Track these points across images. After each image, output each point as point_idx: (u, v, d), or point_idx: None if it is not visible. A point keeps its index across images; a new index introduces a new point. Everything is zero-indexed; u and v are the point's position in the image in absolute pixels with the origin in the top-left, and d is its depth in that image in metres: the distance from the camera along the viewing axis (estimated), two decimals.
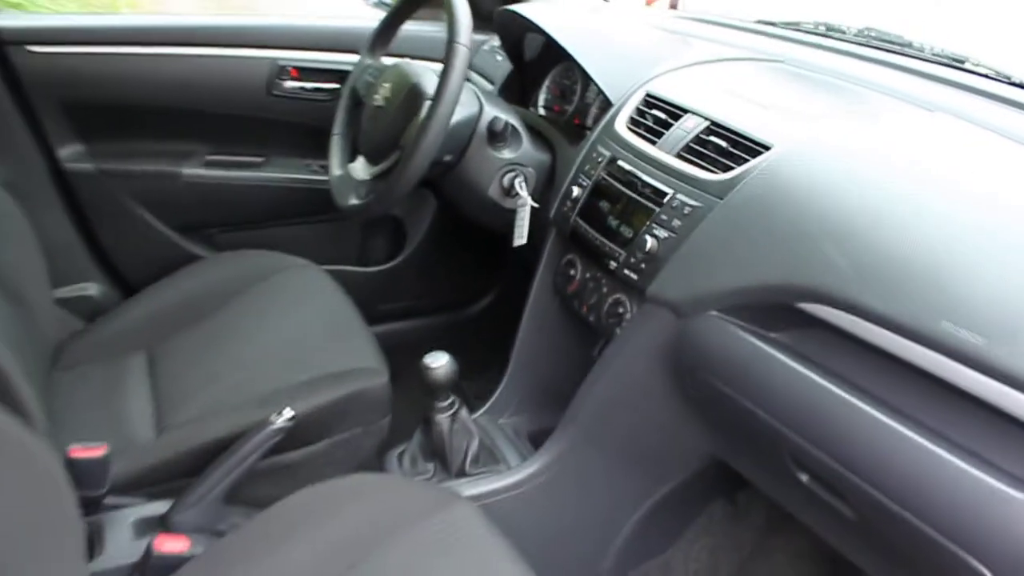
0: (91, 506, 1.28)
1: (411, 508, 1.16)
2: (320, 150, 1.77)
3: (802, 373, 1.07)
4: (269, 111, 1.92)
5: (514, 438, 1.54)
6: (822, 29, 1.76)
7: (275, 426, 1.30)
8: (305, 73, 1.91)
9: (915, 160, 1.12)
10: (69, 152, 1.83)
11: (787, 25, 1.81)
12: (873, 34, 1.67)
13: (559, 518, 1.44)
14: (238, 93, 1.89)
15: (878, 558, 1.15)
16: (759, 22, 1.87)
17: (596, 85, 1.54)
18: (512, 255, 1.72)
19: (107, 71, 1.79)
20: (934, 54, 1.54)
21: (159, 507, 1.32)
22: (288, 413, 1.30)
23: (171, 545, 1.23)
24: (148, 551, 1.22)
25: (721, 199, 1.21)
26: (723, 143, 1.27)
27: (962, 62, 1.50)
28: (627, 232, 1.33)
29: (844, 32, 1.72)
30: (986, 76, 1.44)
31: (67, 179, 1.82)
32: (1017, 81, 1.40)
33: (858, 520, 1.08)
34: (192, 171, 1.93)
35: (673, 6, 2.23)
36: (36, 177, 1.79)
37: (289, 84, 1.91)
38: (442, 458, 1.43)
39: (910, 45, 1.59)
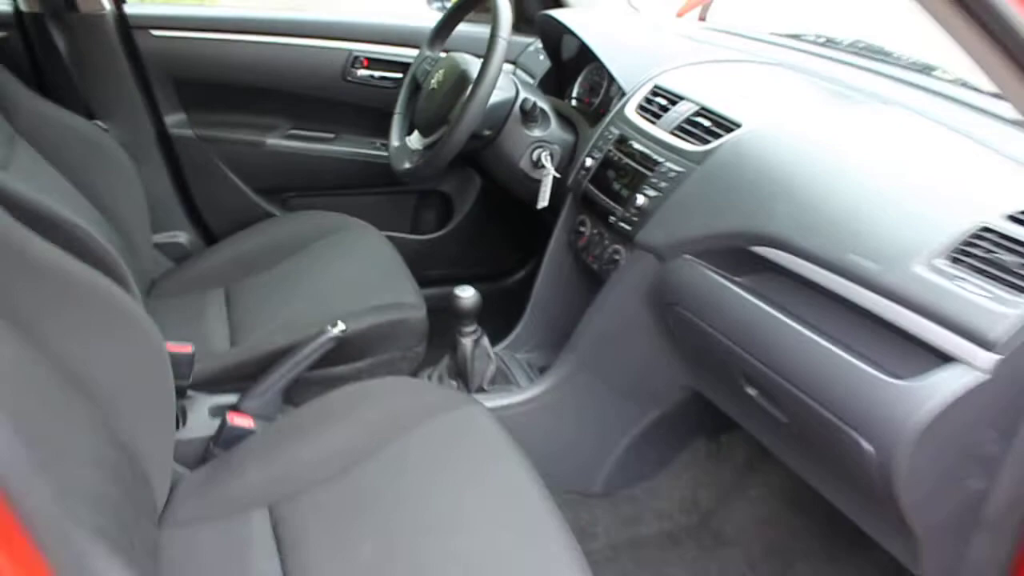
0: (177, 393, 1.60)
1: (434, 404, 1.43)
2: (383, 131, 2.08)
3: (753, 303, 1.34)
4: (343, 94, 2.25)
5: (527, 368, 1.82)
6: (821, 40, 2.02)
7: (328, 335, 1.60)
8: (375, 63, 2.24)
9: (848, 139, 1.39)
10: (174, 119, 2.18)
11: (791, 36, 2.07)
12: (862, 45, 1.92)
13: (560, 434, 1.71)
14: (317, 78, 2.22)
15: (802, 454, 1.41)
16: (772, 34, 2.13)
17: (614, 78, 1.82)
18: (547, 234, 2.00)
19: (211, 54, 2.15)
20: (910, 63, 1.79)
21: (230, 398, 1.64)
22: (340, 326, 1.60)
23: (240, 421, 1.55)
24: (223, 423, 1.54)
25: (699, 165, 1.48)
26: (707, 123, 1.55)
27: (932, 70, 1.74)
28: (625, 193, 1.61)
29: (839, 43, 1.97)
30: (949, 82, 1.68)
31: (170, 142, 2.17)
32: (974, 86, 1.64)
33: (789, 422, 1.34)
34: (274, 141, 2.27)
35: (702, 18, 2.49)
36: (145, 139, 2.14)
37: (361, 72, 2.24)
38: (464, 377, 1.72)
39: (890, 55, 1.84)
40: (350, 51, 2.22)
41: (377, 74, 2.25)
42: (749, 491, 1.86)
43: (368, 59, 2.23)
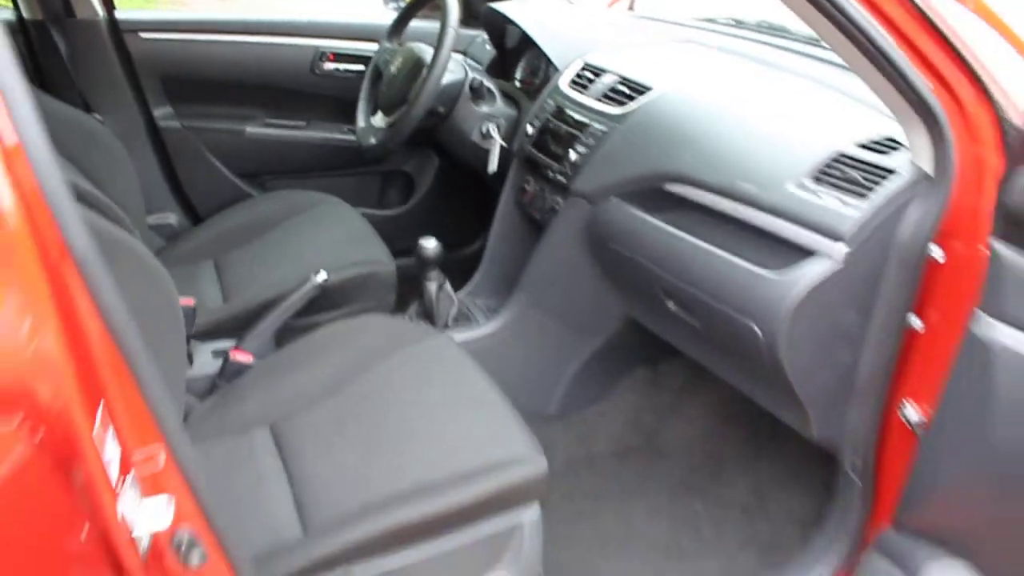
0: None
1: (407, 335, 1.69)
2: (350, 117, 2.35)
3: (667, 230, 1.63)
4: (312, 86, 2.52)
5: (484, 310, 2.10)
6: (732, 22, 2.32)
7: (313, 283, 1.86)
8: (340, 57, 2.52)
9: (736, 95, 1.70)
10: (162, 112, 2.44)
11: (707, 20, 2.37)
12: (765, 25, 2.23)
13: (516, 362, 1.99)
14: (289, 72, 2.49)
15: (715, 353, 1.70)
16: (690, 18, 2.44)
17: (550, 60, 2.11)
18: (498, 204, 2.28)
19: (193, 52, 2.41)
20: (802, 37, 2.09)
21: (228, 343, 1.89)
22: (323, 275, 1.86)
23: (241, 357, 1.80)
24: (226, 359, 1.79)
25: (619, 124, 1.78)
26: (626, 89, 1.84)
27: (818, 41, 2.05)
28: (561, 152, 1.90)
29: (746, 23, 2.28)
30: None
31: (159, 133, 2.43)
32: None
33: (702, 327, 1.63)
34: (252, 130, 2.54)
35: (630, 7, 2.79)
36: (137, 130, 2.39)
37: (327, 66, 2.51)
38: (430, 317, 1.99)
39: (788, 31, 2.14)
40: (317, 47, 2.49)
41: (342, 67, 2.52)
42: (685, 411, 2.14)
43: (334, 54, 2.51)
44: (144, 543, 0.90)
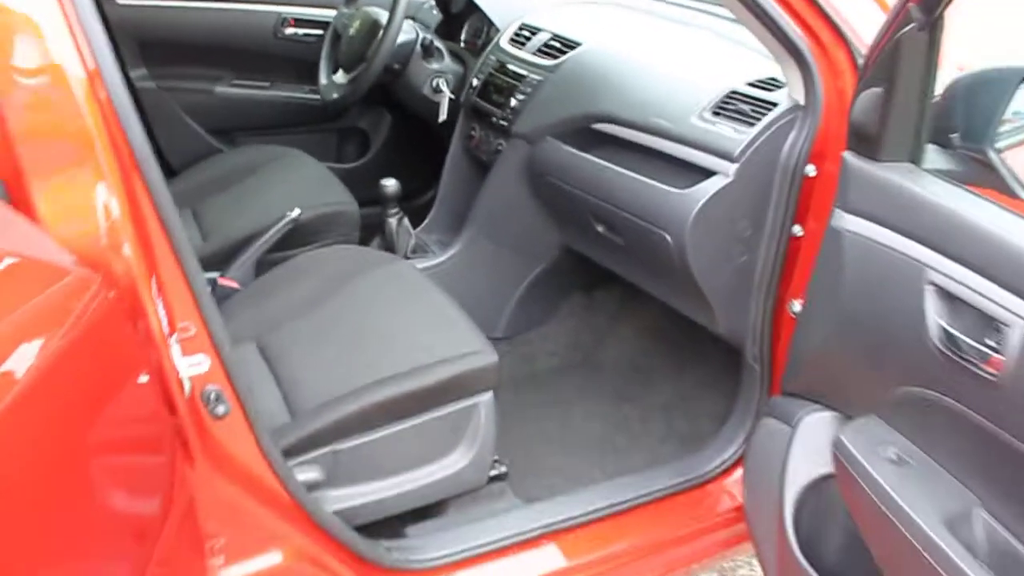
0: None
1: (374, 260, 1.97)
2: (310, 78, 2.59)
3: (595, 162, 1.91)
4: (275, 49, 2.76)
5: (438, 244, 2.38)
6: None
7: (288, 218, 2.11)
8: (300, 22, 2.75)
9: (649, 46, 2.02)
10: (137, 73, 2.65)
11: None
12: None
13: (466, 288, 2.24)
14: (254, 36, 2.72)
15: (637, 266, 2.00)
16: None
17: (492, 22, 2.39)
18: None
19: (166, 18, 2.64)
20: None
21: (213, 275, 2.12)
22: (297, 211, 2.11)
23: (228, 282, 2.05)
24: (214, 285, 2.03)
25: (552, 74, 2.07)
26: (558, 44, 2.13)
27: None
28: (502, 100, 2.18)
29: None
30: None
31: (136, 93, 2.64)
32: None
33: (625, 245, 1.92)
34: (222, 89, 2.77)
35: None
36: None
37: (289, 30, 2.75)
38: (391, 250, 2.26)
39: None
40: (279, 13, 2.73)
41: (302, 31, 2.76)
42: (618, 331, 2.43)
43: (294, 19, 2.74)
44: (187, 386, 1.17)
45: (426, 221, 2.47)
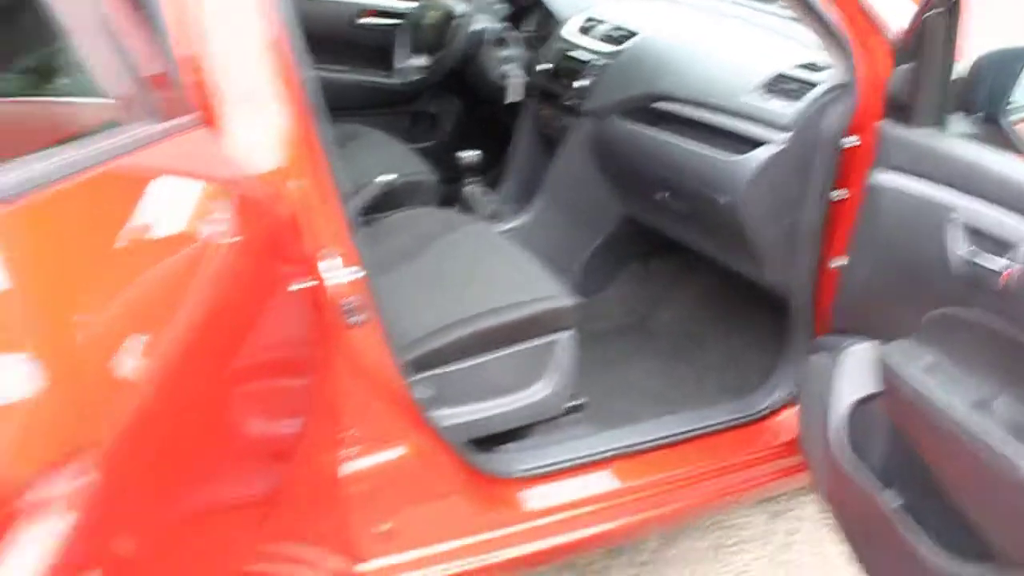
0: None
1: (461, 220, 2.23)
2: (383, 62, 2.85)
3: (658, 136, 2.16)
4: (354, 36, 3.02)
5: (511, 212, 2.63)
6: None
7: (382, 180, 2.35)
8: (377, 13, 3.01)
9: (703, 34, 2.27)
10: None
11: None
12: None
13: (536, 255, 2.50)
14: (335, 25, 2.98)
15: (698, 230, 2.23)
16: None
17: (556, 13, 2.65)
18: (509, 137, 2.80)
19: None
20: None
21: None
22: (389, 176, 2.35)
23: None
24: None
25: (615, 59, 2.33)
26: (618, 34, 2.39)
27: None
28: (568, 83, 2.43)
29: None
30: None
31: None
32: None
33: (685, 209, 2.16)
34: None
35: None
36: None
37: (366, 20, 3.01)
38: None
39: None
40: (359, 3, 3.00)
41: (378, 20, 3.02)
42: (672, 299, 2.66)
43: (372, 10, 3.01)
44: (331, 295, 1.43)
45: (499, 192, 2.72)
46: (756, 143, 1.91)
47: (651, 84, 2.20)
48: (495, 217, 2.56)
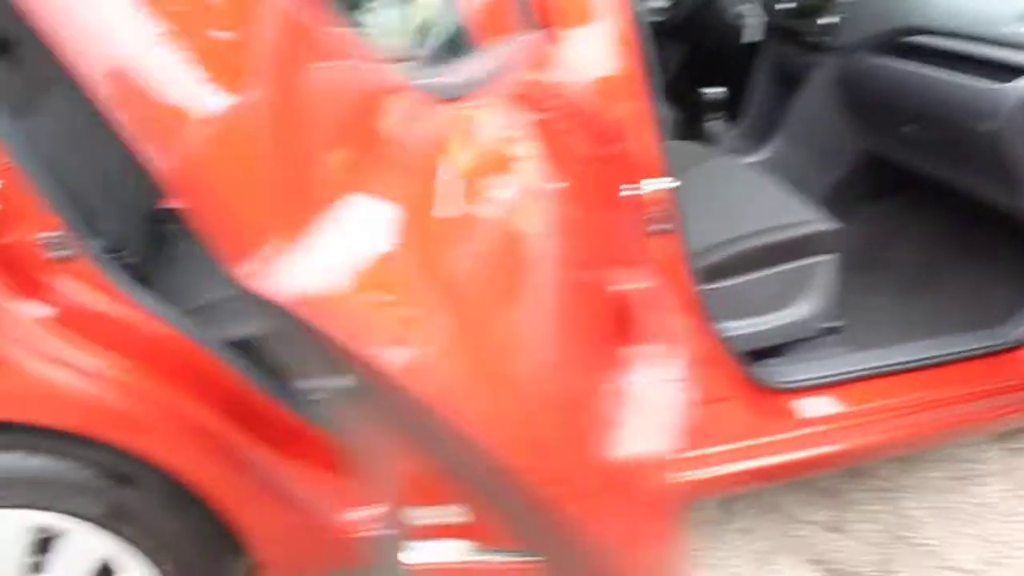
0: None
1: (707, 154, 2.36)
2: None
3: (910, 69, 2.19)
4: None
5: (751, 147, 2.73)
6: None
7: None
8: None
9: None
10: None
11: None
12: None
13: None
14: None
15: (948, 161, 2.25)
16: None
17: None
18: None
19: None
20: None
21: None
22: None
23: None
24: None
25: None
26: None
27: None
28: (812, 21, 2.49)
29: None
30: None
31: None
32: None
33: (939, 142, 2.18)
34: None
35: None
36: None
37: None
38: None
39: None
40: None
41: None
42: (911, 234, 2.66)
43: None
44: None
45: (738, 126, 2.83)
46: (1019, 70, 1.93)
47: (903, 18, 2.24)
48: (735, 153, 2.67)
